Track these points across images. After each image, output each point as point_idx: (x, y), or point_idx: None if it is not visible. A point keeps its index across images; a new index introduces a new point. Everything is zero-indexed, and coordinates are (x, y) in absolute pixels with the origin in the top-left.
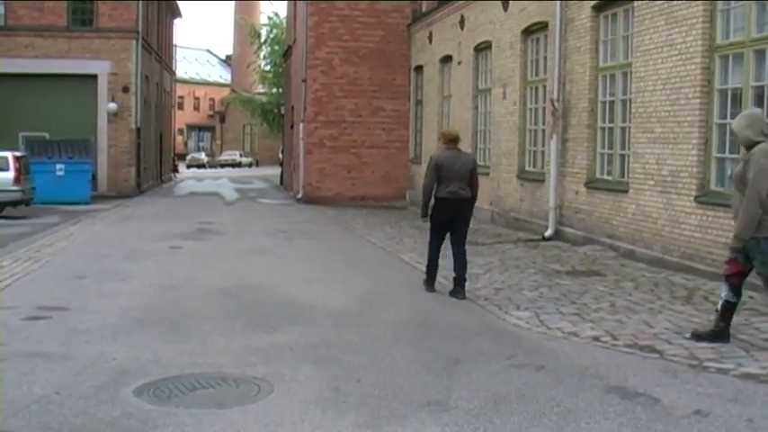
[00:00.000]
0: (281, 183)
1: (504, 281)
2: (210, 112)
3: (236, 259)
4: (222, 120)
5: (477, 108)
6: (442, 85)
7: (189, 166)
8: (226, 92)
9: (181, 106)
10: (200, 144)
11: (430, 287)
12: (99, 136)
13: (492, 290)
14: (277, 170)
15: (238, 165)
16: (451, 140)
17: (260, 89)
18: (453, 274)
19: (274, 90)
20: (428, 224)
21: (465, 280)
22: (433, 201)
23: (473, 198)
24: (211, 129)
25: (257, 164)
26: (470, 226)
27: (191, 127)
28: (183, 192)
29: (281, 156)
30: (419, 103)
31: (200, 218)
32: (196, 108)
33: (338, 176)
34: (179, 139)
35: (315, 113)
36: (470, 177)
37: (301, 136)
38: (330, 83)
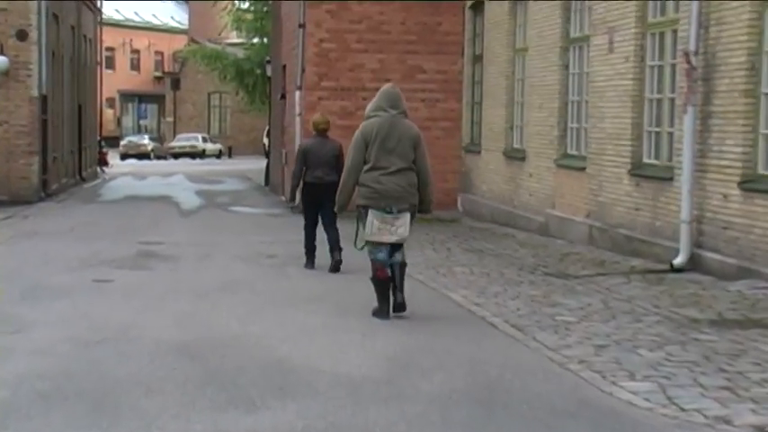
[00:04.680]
0: (267, 182)
1: (609, 334)
2: (158, 73)
3: (198, 299)
4: (176, 85)
5: (567, 67)
6: (515, 33)
7: (125, 156)
8: (181, 42)
9: (111, 64)
10: (142, 122)
11: (310, 264)
12: None
13: (591, 348)
14: (261, 162)
15: (201, 154)
16: (320, 129)
17: (234, 39)
18: (328, 246)
19: (256, 40)
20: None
21: (341, 249)
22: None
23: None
24: (159, 99)
25: (230, 153)
26: (558, 248)
27: (127, 96)
28: (115, 195)
29: (266, 141)
30: (478, 60)
31: (142, 235)
32: (135, 67)
33: None
34: (108, 114)
35: (318, 77)
36: (336, 163)
37: (297, 111)
38: (342, 29)
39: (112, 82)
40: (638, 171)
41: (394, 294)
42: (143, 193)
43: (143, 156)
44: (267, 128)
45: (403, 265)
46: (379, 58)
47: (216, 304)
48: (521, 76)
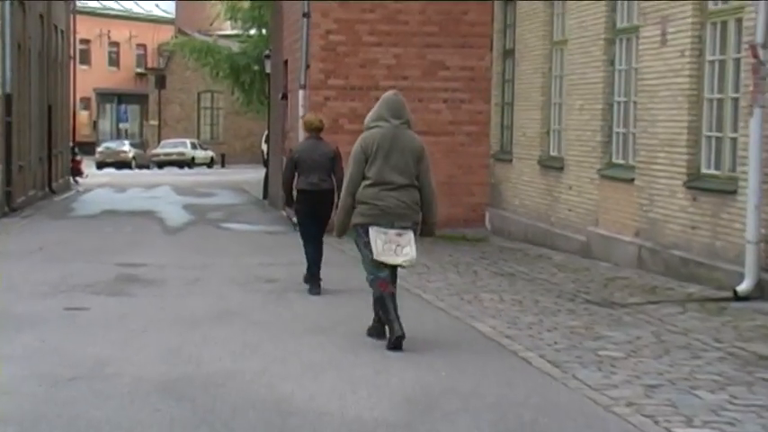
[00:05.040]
0: (266, 195)
1: (662, 372)
2: (140, 70)
3: (186, 330)
4: (161, 84)
5: (612, 63)
6: (552, 24)
7: (102, 165)
8: (167, 33)
9: (86, 58)
10: (122, 126)
11: (315, 290)
12: None
13: (640, 388)
14: (259, 172)
15: (189, 163)
16: (313, 129)
17: (227, 30)
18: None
19: (253, 32)
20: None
21: (319, 269)
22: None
23: (338, 189)
24: (141, 99)
25: (223, 161)
26: (602, 272)
27: (104, 95)
28: (90, 209)
29: (264, 147)
30: (509, 54)
31: (122, 256)
32: (114, 62)
33: None
34: (83, 116)
35: (325, 74)
36: (331, 167)
37: (300, 113)
38: (352, 20)
39: (88, 79)
40: (696, 183)
41: (391, 329)
42: (123, 207)
43: (123, 164)
44: (266, 132)
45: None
46: (394, 52)
47: (206, 336)
48: (559, 73)
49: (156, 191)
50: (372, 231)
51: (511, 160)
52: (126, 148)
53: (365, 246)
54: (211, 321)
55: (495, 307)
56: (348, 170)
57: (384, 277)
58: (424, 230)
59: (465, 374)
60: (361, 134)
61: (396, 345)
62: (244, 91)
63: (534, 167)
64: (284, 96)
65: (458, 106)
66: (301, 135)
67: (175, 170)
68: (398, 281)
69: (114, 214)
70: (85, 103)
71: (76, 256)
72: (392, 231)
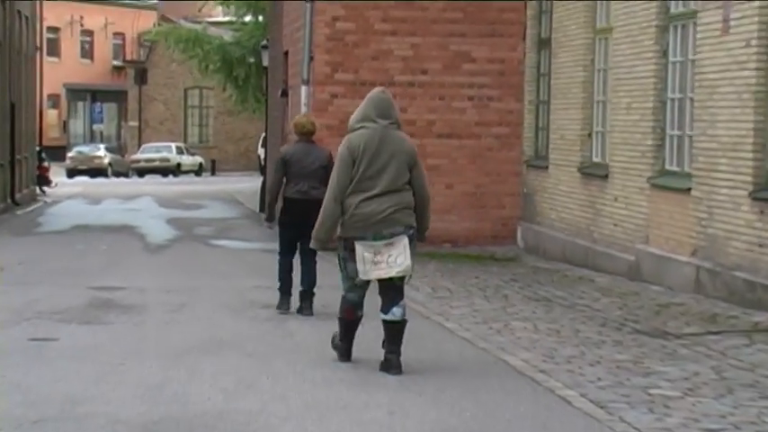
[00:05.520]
0: (263, 207)
1: (724, 414)
2: (117, 63)
3: (171, 364)
4: (142, 78)
5: (665, 54)
6: (595, 9)
7: (73, 173)
8: (149, 21)
9: (55, 49)
10: (96, 128)
11: (284, 307)
12: None
13: None
14: (255, 181)
15: (175, 170)
16: (304, 133)
17: (219, 17)
18: (300, 288)
19: (248, 19)
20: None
21: (313, 294)
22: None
23: None
24: (119, 96)
25: (213, 168)
26: (654, 297)
27: (76, 92)
28: (59, 224)
29: (261, 152)
30: (545, 44)
31: (96, 278)
32: (87, 54)
33: None
34: (51, 115)
35: (331, 67)
36: (325, 175)
37: (303, 113)
38: (362, 5)
39: (57, 73)
40: (764, 194)
41: (388, 354)
42: (97, 221)
43: (97, 172)
44: (263, 135)
45: (404, 324)
46: (412, 42)
47: (194, 371)
48: (602, 67)
49: (136, 202)
50: (359, 247)
51: (547, 167)
52: (101, 153)
53: (348, 260)
54: (199, 353)
55: (528, 337)
56: (333, 177)
57: (351, 301)
58: (417, 237)
59: (493, 416)
60: (346, 136)
61: (392, 368)
62: (237, 87)
63: (574, 175)
64: (284, 93)
65: (485, 105)
66: None
67: (158, 179)
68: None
69: (87, 230)
70: (54, 100)
71: (43, 278)
72: (381, 243)
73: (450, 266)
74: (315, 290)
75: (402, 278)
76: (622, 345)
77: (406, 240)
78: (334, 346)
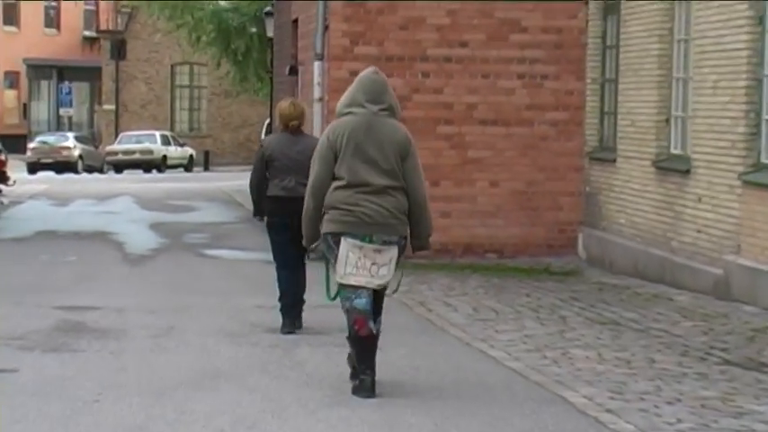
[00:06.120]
0: None
1: None
2: (89, 33)
3: (155, 400)
4: (119, 52)
5: (761, 21)
6: None
7: (35, 167)
8: None
9: (13, 17)
10: (64, 112)
11: (287, 328)
12: None
13: None
14: None
15: (160, 164)
16: (291, 119)
17: None
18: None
19: None
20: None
21: (303, 301)
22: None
23: None
24: (92, 74)
25: (207, 161)
26: (746, 320)
27: (39, 68)
28: (19, 230)
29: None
30: (612, 10)
31: (65, 296)
32: (52, 23)
33: None
34: (9, 97)
35: (350, 39)
36: None
37: (317, 94)
38: None
39: (16, 46)
40: None
41: (362, 375)
42: (66, 226)
43: (65, 166)
44: (267, 122)
45: (377, 336)
46: (448, 8)
47: (183, 409)
48: (683, 36)
49: (113, 204)
50: (345, 243)
51: (614, 160)
52: (69, 143)
53: (335, 263)
54: (190, 388)
55: (591, 369)
56: (312, 169)
57: (362, 309)
58: (416, 245)
59: None
60: (331, 123)
61: (362, 391)
62: (236, 63)
63: (647, 171)
64: (293, 71)
65: (539, 84)
66: (316, 125)
67: (140, 175)
68: (455, 331)
69: (53, 237)
70: (12, 79)
71: (0, 296)
72: (370, 246)
73: (495, 282)
74: (304, 296)
75: (385, 289)
76: (708, 378)
77: (395, 251)
78: (352, 376)
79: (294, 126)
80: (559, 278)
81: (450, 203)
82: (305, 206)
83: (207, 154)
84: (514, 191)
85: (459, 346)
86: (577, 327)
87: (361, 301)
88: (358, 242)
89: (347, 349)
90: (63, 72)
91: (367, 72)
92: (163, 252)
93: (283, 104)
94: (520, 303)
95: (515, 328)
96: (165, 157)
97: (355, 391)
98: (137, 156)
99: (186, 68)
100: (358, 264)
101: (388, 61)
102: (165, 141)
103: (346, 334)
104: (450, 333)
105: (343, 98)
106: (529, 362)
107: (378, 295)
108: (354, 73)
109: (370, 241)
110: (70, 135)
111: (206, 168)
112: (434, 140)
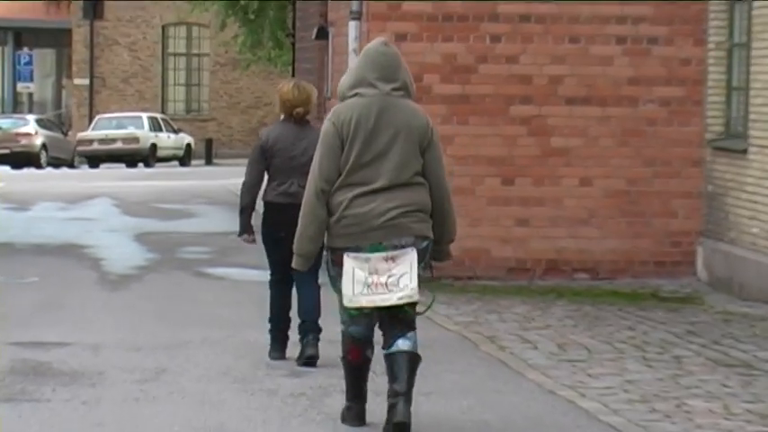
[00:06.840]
0: None
1: None
2: None
3: None
4: (95, 10)
5: None
6: None
7: None
8: None
9: None
10: (22, 87)
11: (276, 353)
12: None
13: None
14: None
15: (147, 156)
16: (295, 106)
17: None
18: (298, 320)
19: None
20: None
21: (319, 329)
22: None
23: None
24: (59, 38)
25: (209, 153)
26: None
27: None
28: None
29: None
30: None
31: (24, 328)
32: None
33: (473, 197)
34: None
35: None
36: None
37: (352, 61)
38: None
39: None
40: None
41: (392, 398)
42: (26, 237)
43: (24, 159)
44: None
45: (414, 357)
46: None
47: None
48: None
49: (87, 208)
50: (348, 260)
51: (745, 151)
52: (29, 128)
53: (339, 281)
54: None
55: (715, 424)
56: (315, 161)
57: (358, 335)
58: (436, 254)
59: None
60: (334, 107)
61: (349, 420)
62: (247, 23)
63: None
64: (321, 33)
65: (645, 51)
66: None
67: (122, 170)
68: (535, 375)
69: (9, 251)
70: None
71: None
72: (377, 256)
73: (587, 310)
74: (319, 322)
75: (414, 305)
76: None
77: (413, 255)
78: (343, 419)
79: (299, 114)
80: (672, 306)
81: (528, 208)
82: (308, 214)
83: (209, 143)
84: (612, 191)
85: (540, 395)
86: (696, 370)
87: (357, 328)
88: (362, 256)
89: (386, 397)
90: (21, 36)
91: (375, 44)
92: (151, 271)
93: (285, 87)
94: (620, 339)
95: (614, 372)
96: (154, 146)
97: (343, 420)
98: (118, 145)
99: (182, 31)
100: (368, 281)
101: (446, 21)
102: (155, 126)
103: (384, 377)
104: (529, 378)
105: (347, 77)
106: (632, 416)
107: (403, 315)
108: (402, 36)
109: (379, 250)
110: (30, 118)
111: (208, 161)
112: (507, 125)
